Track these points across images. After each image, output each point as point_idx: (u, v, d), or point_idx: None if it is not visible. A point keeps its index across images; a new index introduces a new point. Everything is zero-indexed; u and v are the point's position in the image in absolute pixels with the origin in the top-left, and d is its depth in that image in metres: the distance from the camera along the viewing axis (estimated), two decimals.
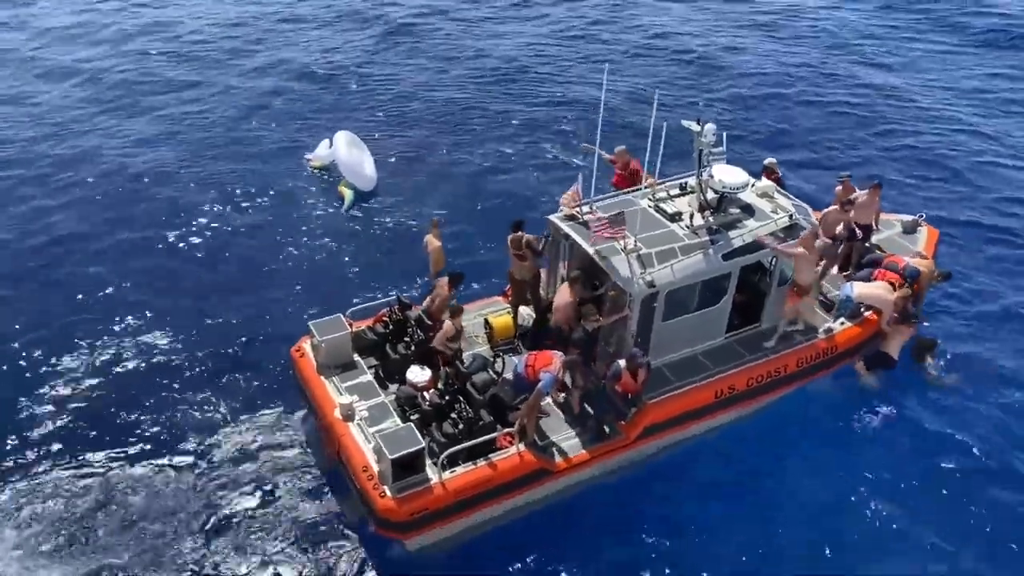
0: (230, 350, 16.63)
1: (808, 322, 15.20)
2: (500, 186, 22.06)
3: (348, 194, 20.93)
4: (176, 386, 15.79)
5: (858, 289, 15.26)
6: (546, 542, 13.08)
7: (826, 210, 16.28)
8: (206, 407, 15.37)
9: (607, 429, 13.38)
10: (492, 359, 14.34)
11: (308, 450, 14.33)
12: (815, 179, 21.57)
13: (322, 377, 13.84)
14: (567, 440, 13.20)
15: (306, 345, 14.37)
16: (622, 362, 12.93)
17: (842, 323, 15.27)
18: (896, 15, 34.83)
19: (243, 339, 16.87)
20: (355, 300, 16.01)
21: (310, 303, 17.47)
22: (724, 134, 14.23)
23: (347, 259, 19.26)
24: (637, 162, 16.14)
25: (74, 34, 32.19)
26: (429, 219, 17.48)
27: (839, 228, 16.10)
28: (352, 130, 22.67)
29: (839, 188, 16.77)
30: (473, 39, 31.67)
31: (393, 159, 23.21)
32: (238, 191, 21.74)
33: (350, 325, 14.24)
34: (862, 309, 15.32)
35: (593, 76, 28.32)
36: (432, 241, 15.06)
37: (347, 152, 21.30)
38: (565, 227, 13.97)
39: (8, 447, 14.47)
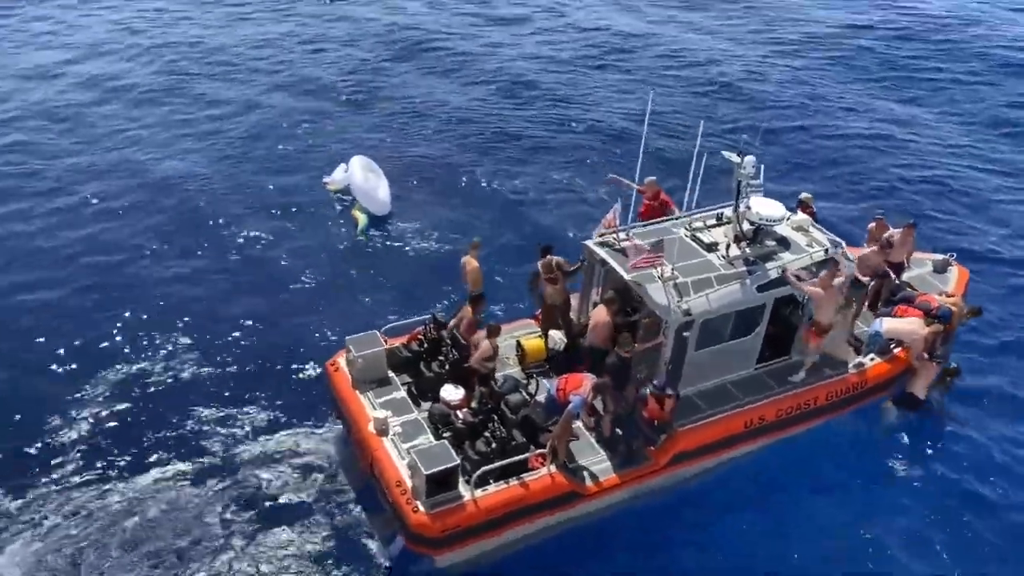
0: (252, 367, 16.83)
1: (837, 357, 15.28)
2: (517, 213, 22.22)
3: (362, 219, 21.09)
4: (202, 401, 15.92)
5: (887, 324, 15.35)
6: (573, 563, 13.19)
7: (864, 250, 16.34)
8: (232, 422, 15.50)
9: (637, 454, 13.45)
10: (523, 380, 14.49)
11: (338, 464, 14.46)
12: (840, 212, 21.61)
13: (357, 392, 14.02)
14: (598, 464, 13.31)
15: (341, 360, 14.57)
16: (649, 388, 13.05)
17: (871, 359, 15.33)
18: (915, 45, 34.87)
19: (267, 356, 17.05)
20: (368, 321, 16.25)
21: (325, 323, 17.82)
22: (762, 166, 14.39)
23: (360, 282, 19.41)
24: (666, 194, 16.27)
25: (103, 51, 32.73)
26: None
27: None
28: (370, 153, 23.00)
29: (873, 226, 16.89)
30: (495, 63, 31.93)
31: (410, 183, 23.37)
32: (259, 211, 22.01)
33: (385, 342, 14.42)
34: (891, 345, 15.38)
35: (615, 102, 28.86)
36: (471, 262, 15.26)
37: (362, 177, 21.50)
38: (602, 252, 14.15)
39: (41, 458, 14.68)
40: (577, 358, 14.84)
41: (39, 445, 14.93)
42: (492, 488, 12.37)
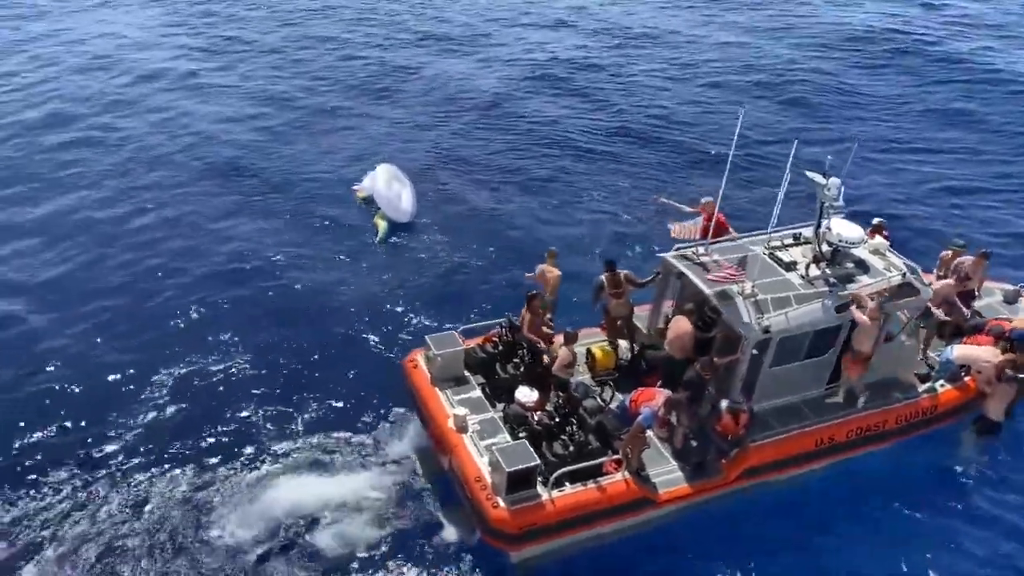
0: (300, 366, 17.30)
1: (907, 382, 15.39)
2: (545, 226, 22.30)
3: (382, 226, 21.40)
4: (247, 400, 16.38)
5: (958, 351, 15.43)
6: (636, 568, 13.42)
7: (942, 281, 16.37)
8: (286, 420, 15.95)
9: (708, 466, 13.67)
10: (594, 387, 14.78)
11: (413, 458, 14.80)
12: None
13: (435, 389, 14.37)
14: (669, 473, 13.55)
15: (419, 357, 14.95)
16: (724, 403, 13.28)
17: (942, 385, 15.42)
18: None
19: (300, 356, 17.58)
20: (378, 326, 17.54)
21: (335, 326, 18.46)
22: (843, 189, 14.57)
23: (371, 288, 19.78)
24: (722, 215, 16.42)
25: (141, 45, 33.79)
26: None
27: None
28: (403, 160, 23.50)
29: (947, 254, 16.94)
30: (539, 71, 32.26)
31: (438, 192, 23.71)
32: (289, 216, 22.61)
33: (462, 341, 14.79)
34: (962, 372, 15.46)
35: (648, 121, 28.89)
36: (551, 270, 15.54)
37: (386, 185, 21.84)
38: (680, 265, 14.40)
39: (105, 456, 15.14)
40: (644, 368, 15.12)
41: (106, 436, 15.52)
42: (568, 489, 12.64)
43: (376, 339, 17.96)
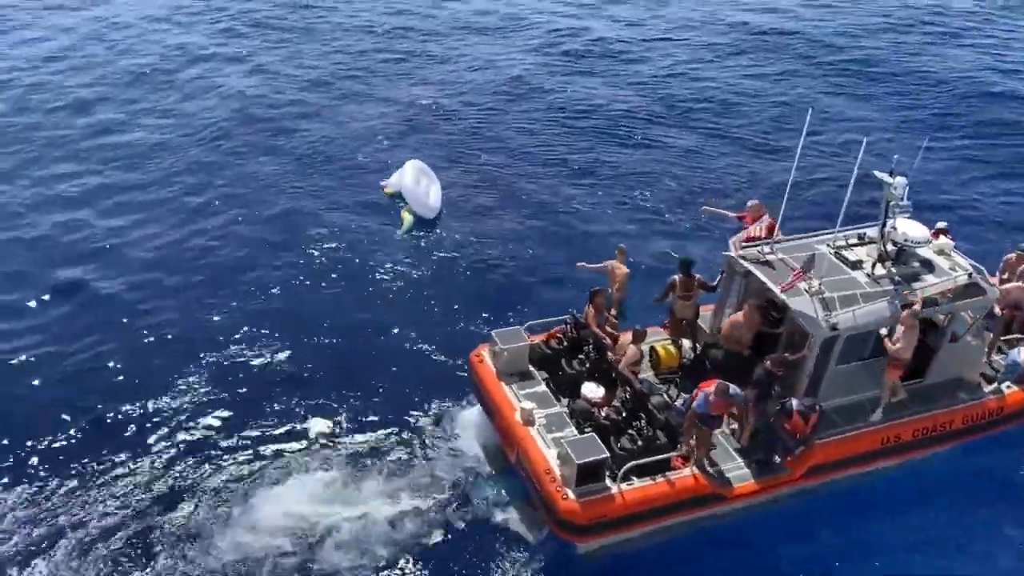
0: (342, 361, 17.42)
1: (972, 383, 15.33)
2: (572, 229, 22.23)
3: (408, 219, 21.67)
4: (292, 396, 16.50)
5: None
6: (703, 563, 13.56)
7: (1009, 284, 16.25)
8: (335, 415, 16.08)
9: (775, 463, 13.75)
10: (658, 385, 14.93)
11: (479, 450, 15.05)
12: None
13: (501, 383, 14.62)
14: (736, 470, 13.66)
15: (485, 352, 15.21)
16: (795, 402, 13.32)
17: (1008, 387, 15.34)
18: None
19: (351, 351, 17.69)
20: (389, 321, 17.94)
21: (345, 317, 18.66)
22: (908, 188, 14.59)
23: (391, 281, 19.91)
24: (772, 219, 16.45)
25: (176, 28, 34.57)
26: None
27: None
28: (431, 157, 23.85)
29: (1012, 257, 16.79)
30: (574, 77, 31.92)
31: (466, 190, 23.76)
32: (320, 208, 22.80)
33: (527, 337, 15.03)
34: None
35: (700, 112, 28.78)
36: (620, 267, 15.71)
37: (413, 180, 22.16)
38: (747, 264, 14.51)
39: (144, 442, 15.42)
40: (707, 367, 15.22)
41: (146, 423, 15.79)
42: (637, 483, 12.80)
43: (415, 335, 18.01)
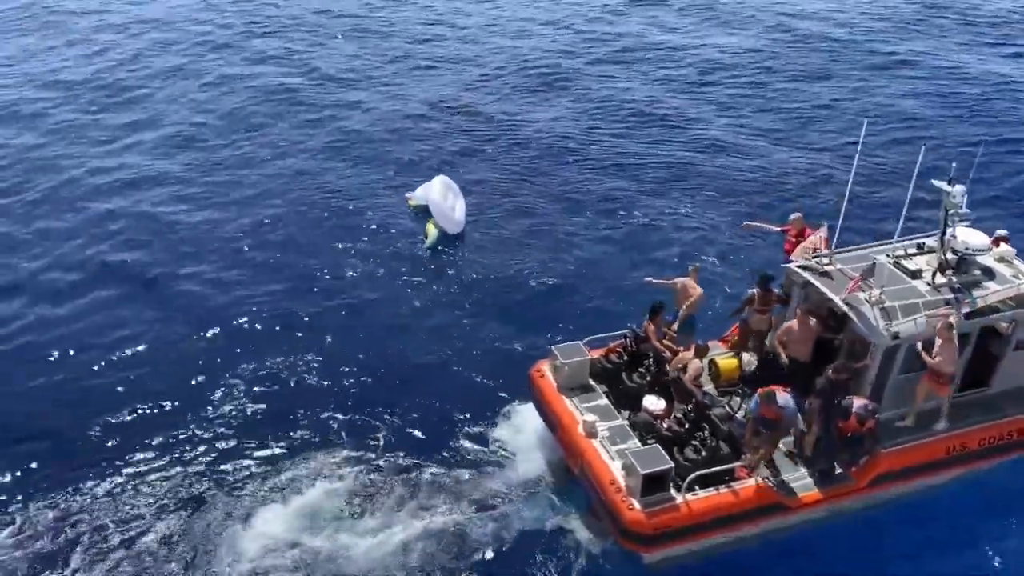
0: (376, 376, 17.62)
1: None
2: (599, 247, 22.22)
3: (432, 233, 21.91)
4: (349, 407, 16.76)
5: None
6: (767, 573, 13.73)
7: None
8: (374, 429, 16.25)
9: (839, 473, 13.77)
10: (718, 398, 15.04)
11: (544, 462, 15.26)
12: None
13: (563, 397, 14.86)
14: (800, 479, 13.70)
15: (545, 366, 15.47)
16: (857, 403, 13.26)
17: None
18: None
19: (387, 365, 17.90)
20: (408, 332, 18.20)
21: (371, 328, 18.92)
22: (966, 197, 14.59)
23: (413, 296, 20.11)
24: (811, 231, 16.49)
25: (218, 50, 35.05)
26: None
27: None
28: (457, 171, 24.22)
29: None
30: (607, 86, 31.94)
31: (490, 206, 23.90)
32: (343, 219, 23.15)
33: (587, 352, 15.27)
34: None
35: (730, 129, 28.56)
36: (694, 287, 15.82)
37: (440, 196, 22.38)
38: (806, 275, 14.61)
39: (177, 451, 15.72)
40: (768, 380, 15.25)
41: (179, 430, 16.12)
42: (702, 493, 12.93)
43: (450, 352, 18.25)
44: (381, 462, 15.42)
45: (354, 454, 15.59)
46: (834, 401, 13.65)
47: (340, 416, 16.48)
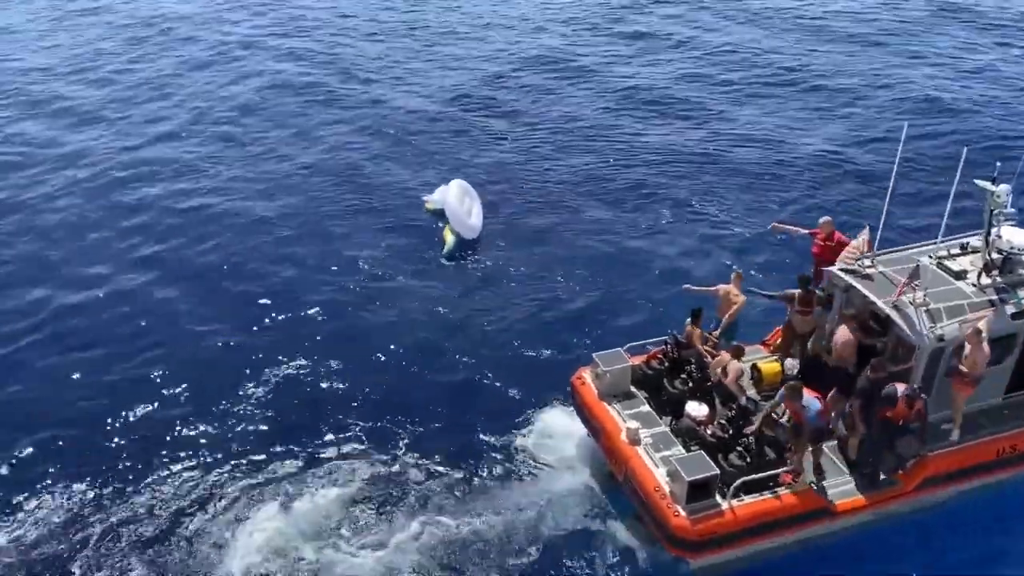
0: (395, 381, 17.72)
1: None
2: (621, 253, 22.07)
3: (450, 240, 21.83)
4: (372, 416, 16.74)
5: None
6: None
7: None
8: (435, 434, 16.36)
9: (886, 477, 13.69)
10: (760, 402, 14.99)
11: (584, 470, 15.34)
12: None
13: (604, 404, 14.93)
14: (846, 484, 13.65)
15: (586, 374, 15.55)
16: (900, 387, 13.11)
17: None
18: None
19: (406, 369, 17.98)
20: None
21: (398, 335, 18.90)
22: (1011, 196, 14.44)
23: (432, 301, 20.10)
24: (840, 234, 16.43)
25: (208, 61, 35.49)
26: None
27: None
28: (475, 175, 24.24)
29: None
30: (628, 87, 31.84)
31: (507, 210, 23.88)
32: (360, 222, 23.26)
33: (628, 359, 15.32)
34: None
35: (759, 129, 28.31)
36: (737, 295, 15.81)
37: (456, 201, 22.24)
38: (848, 278, 14.55)
39: (199, 456, 15.86)
40: (812, 381, 15.20)
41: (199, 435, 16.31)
42: (747, 499, 12.93)
43: (474, 359, 18.22)
44: (407, 470, 15.44)
45: (378, 461, 15.59)
46: (875, 401, 13.51)
47: (362, 423, 16.50)
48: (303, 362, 18.02)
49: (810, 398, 13.13)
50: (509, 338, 18.85)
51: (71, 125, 29.37)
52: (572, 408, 15.92)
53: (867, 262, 14.70)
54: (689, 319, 15.39)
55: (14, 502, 14.84)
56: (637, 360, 15.65)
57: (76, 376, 17.77)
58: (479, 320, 19.52)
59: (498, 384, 17.52)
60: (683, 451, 13.69)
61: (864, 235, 14.69)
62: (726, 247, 22.04)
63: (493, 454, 15.90)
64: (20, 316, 19.66)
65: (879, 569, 13.85)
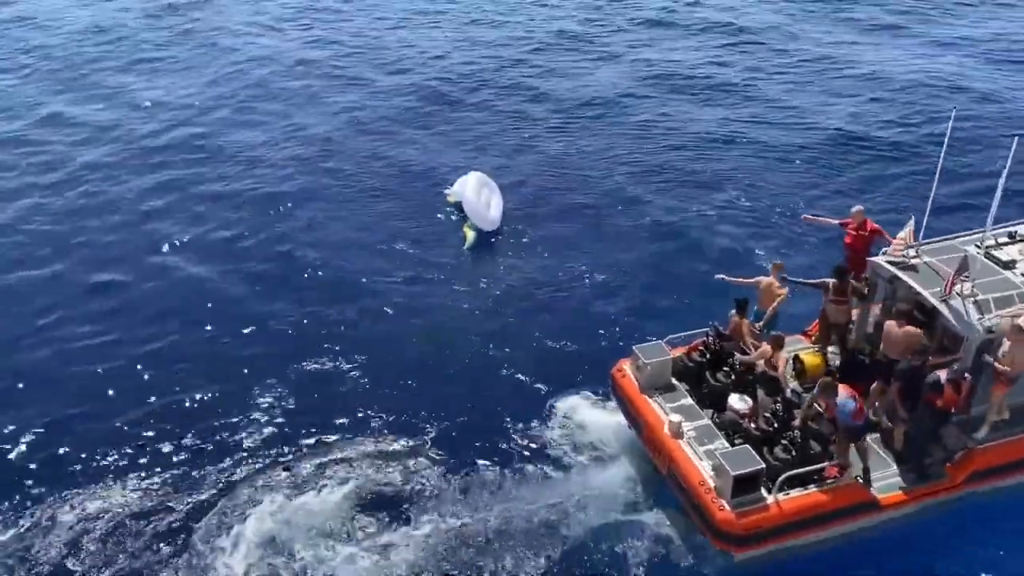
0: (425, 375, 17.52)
1: None
2: (641, 245, 21.85)
3: (470, 235, 21.75)
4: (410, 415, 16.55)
5: None
6: (862, 571, 13.59)
7: None
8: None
9: (933, 470, 13.56)
10: (803, 394, 14.89)
11: (627, 462, 15.32)
12: None
13: (646, 396, 14.90)
14: (893, 477, 13.56)
15: (627, 366, 15.51)
16: (942, 374, 12.95)
17: None
18: None
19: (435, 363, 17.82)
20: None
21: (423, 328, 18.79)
22: None
23: (453, 296, 19.91)
24: (872, 224, 16.26)
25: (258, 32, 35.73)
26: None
27: None
28: (496, 166, 24.18)
29: None
30: (651, 73, 31.48)
31: (529, 202, 23.70)
32: (387, 216, 23.07)
33: (669, 351, 15.27)
34: None
35: (789, 115, 27.94)
36: (778, 289, 15.67)
37: (473, 194, 22.17)
38: (893, 270, 14.38)
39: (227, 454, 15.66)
40: (854, 374, 15.09)
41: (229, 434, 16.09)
42: (793, 493, 12.88)
43: (496, 352, 18.07)
44: (434, 465, 15.22)
45: (402, 455, 15.41)
46: (917, 388, 13.33)
47: (383, 416, 16.38)
48: (322, 352, 17.90)
49: (845, 397, 12.99)
50: (534, 330, 18.74)
51: (92, 100, 29.48)
52: (602, 400, 16.04)
53: (911, 252, 14.49)
54: (734, 310, 15.25)
55: (19, 489, 14.88)
56: (678, 352, 15.58)
57: (91, 361, 17.73)
58: (504, 312, 19.41)
59: (524, 377, 17.40)
60: (727, 445, 13.65)
61: (910, 226, 14.49)
62: (757, 234, 21.85)
63: (523, 448, 15.72)
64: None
65: (925, 562, 13.73)
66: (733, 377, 14.88)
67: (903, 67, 31.61)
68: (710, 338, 15.56)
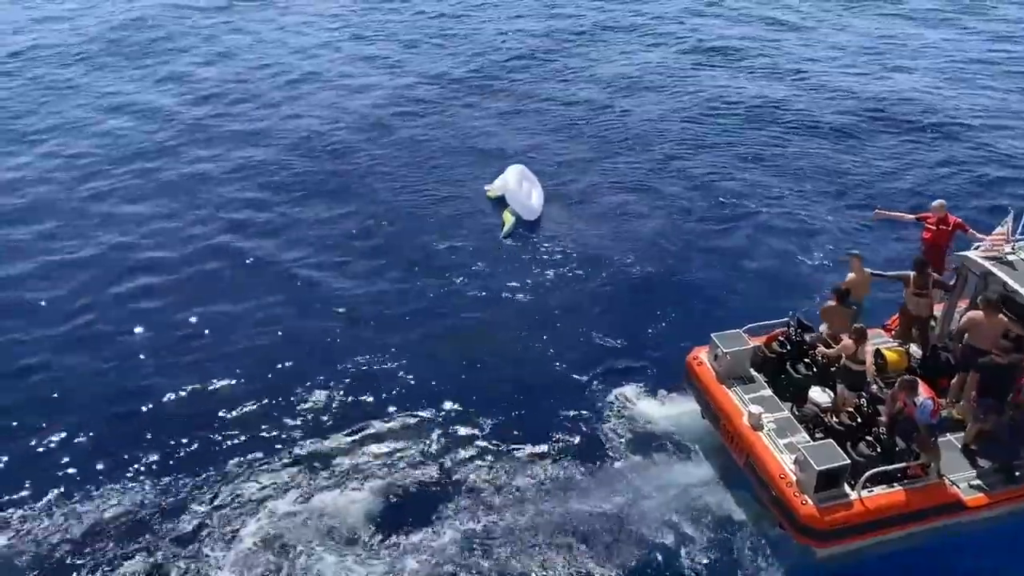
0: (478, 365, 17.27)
1: None
2: (688, 240, 21.51)
3: (509, 221, 21.80)
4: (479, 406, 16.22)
5: None
6: (945, 572, 13.44)
7: None
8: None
9: (1020, 470, 13.27)
10: (885, 389, 14.61)
11: (706, 454, 15.22)
12: None
13: (724, 387, 14.74)
14: (979, 478, 13.29)
15: (703, 354, 15.35)
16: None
17: None
18: None
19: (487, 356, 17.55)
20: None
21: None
22: None
23: (505, 287, 19.64)
24: (953, 218, 15.87)
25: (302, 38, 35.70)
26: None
27: None
28: (537, 158, 24.22)
29: None
30: (696, 60, 31.33)
31: (568, 192, 23.57)
32: (431, 213, 22.86)
33: (747, 340, 15.07)
34: None
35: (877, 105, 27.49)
36: (864, 278, 15.42)
37: (515, 184, 22.42)
38: (987, 264, 14.02)
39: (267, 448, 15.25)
40: (937, 369, 14.79)
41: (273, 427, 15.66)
42: (877, 490, 12.69)
43: (538, 343, 17.87)
44: (483, 462, 14.92)
45: (452, 448, 15.14)
46: (1000, 382, 13.00)
47: (433, 409, 16.07)
48: (358, 345, 17.63)
49: (924, 397, 12.79)
50: (580, 320, 18.49)
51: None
52: (654, 390, 16.04)
53: (1007, 248, 14.10)
54: (833, 298, 14.89)
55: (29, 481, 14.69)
56: (758, 341, 15.38)
57: (115, 361, 17.33)
58: (548, 302, 19.20)
59: (572, 368, 17.15)
60: (808, 439, 13.46)
61: (1009, 220, 14.09)
62: (818, 229, 21.56)
63: (577, 442, 15.41)
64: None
65: (1008, 566, 13.44)
66: (815, 369, 14.62)
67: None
68: (791, 328, 15.31)
